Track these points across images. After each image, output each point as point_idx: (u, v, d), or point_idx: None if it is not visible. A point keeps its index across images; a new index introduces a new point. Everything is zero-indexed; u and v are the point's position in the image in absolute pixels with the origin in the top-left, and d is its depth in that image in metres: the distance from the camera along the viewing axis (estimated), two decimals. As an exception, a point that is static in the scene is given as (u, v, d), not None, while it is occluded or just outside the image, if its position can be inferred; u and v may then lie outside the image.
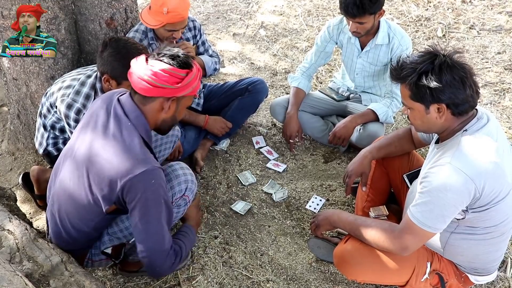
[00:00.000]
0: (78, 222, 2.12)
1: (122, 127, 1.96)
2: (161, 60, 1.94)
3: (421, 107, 1.96)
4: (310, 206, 2.96)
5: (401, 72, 1.96)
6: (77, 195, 2.04)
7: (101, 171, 1.93)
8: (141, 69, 1.94)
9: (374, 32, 3.08)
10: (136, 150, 1.93)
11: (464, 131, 1.96)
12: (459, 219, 2.02)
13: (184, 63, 1.96)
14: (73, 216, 2.11)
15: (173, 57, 1.95)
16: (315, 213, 2.93)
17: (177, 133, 2.82)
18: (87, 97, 2.55)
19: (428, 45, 2.05)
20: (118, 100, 2.04)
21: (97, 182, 1.95)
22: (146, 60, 1.97)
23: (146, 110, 2.00)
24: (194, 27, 3.23)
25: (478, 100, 2.00)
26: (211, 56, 3.39)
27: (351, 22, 2.95)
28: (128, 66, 2.40)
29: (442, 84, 1.87)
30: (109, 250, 2.28)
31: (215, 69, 3.38)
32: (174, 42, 2.97)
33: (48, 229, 2.31)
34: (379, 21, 3.05)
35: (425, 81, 1.89)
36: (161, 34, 2.92)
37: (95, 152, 1.96)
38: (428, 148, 2.28)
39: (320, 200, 2.99)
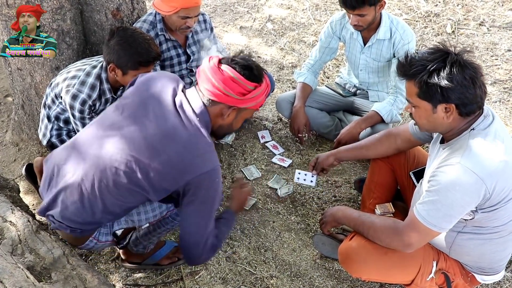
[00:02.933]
0: (116, 203, 2.00)
1: (190, 121, 1.91)
2: (233, 68, 1.91)
3: (428, 106, 1.92)
4: (298, 179, 2.93)
5: (410, 68, 1.91)
6: (128, 182, 1.92)
7: (167, 162, 1.87)
8: (212, 71, 1.91)
9: (375, 27, 3.03)
10: (206, 146, 1.90)
11: (471, 130, 1.92)
12: (467, 219, 1.99)
13: (255, 76, 1.93)
14: (111, 198, 1.98)
15: (245, 67, 1.91)
16: (304, 186, 2.94)
17: None
18: (93, 88, 2.54)
19: (438, 42, 2.00)
20: (184, 92, 1.99)
21: (161, 172, 1.88)
22: (220, 62, 1.94)
23: (208, 110, 1.96)
24: (204, 21, 3.20)
25: (487, 98, 1.97)
26: (218, 49, 3.37)
27: (351, 15, 2.89)
28: (135, 56, 2.39)
29: (453, 83, 1.82)
30: (119, 232, 2.25)
31: None
32: (188, 31, 2.93)
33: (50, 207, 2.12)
34: (380, 16, 3.00)
35: (436, 80, 1.84)
36: (174, 23, 2.87)
37: (161, 141, 1.89)
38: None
39: (305, 174, 2.94)
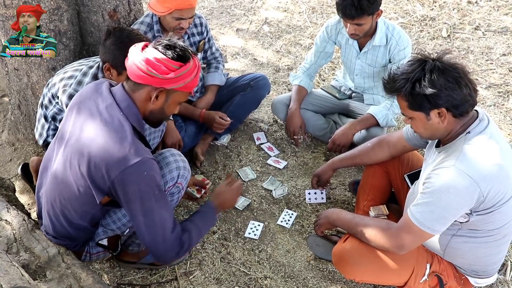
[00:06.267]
0: (74, 216, 2.09)
1: (114, 117, 1.92)
2: (156, 48, 1.90)
3: (422, 115, 1.94)
4: (309, 200, 2.98)
5: (394, 84, 1.94)
6: (71, 187, 2.00)
7: (93, 162, 1.89)
8: (136, 55, 1.91)
9: (371, 33, 3.04)
10: (127, 141, 1.88)
11: (467, 133, 1.94)
12: (462, 222, 2.00)
13: (179, 56, 1.90)
14: (69, 210, 2.08)
15: (169, 47, 1.90)
16: (318, 203, 2.97)
17: (162, 126, 2.79)
18: None
19: (416, 52, 2.03)
20: (110, 90, 2.01)
21: (90, 172, 1.91)
22: (144, 46, 1.94)
23: (135, 97, 1.96)
24: (201, 24, 3.21)
25: (482, 102, 1.98)
26: (213, 53, 3.39)
27: (348, 24, 2.90)
28: None
29: (436, 88, 1.85)
30: (105, 242, 2.26)
31: (224, 74, 3.45)
32: (182, 32, 2.95)
33: (41, 222, 2.28)
34: (376, 22, 3.01)
35: (419, 89, 1.87)
36: (168, 23, 2.89)
37: (86, 143, 1.92)
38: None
39: (315, 193, 2.99)
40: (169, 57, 1.88)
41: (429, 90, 1.85)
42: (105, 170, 1.87)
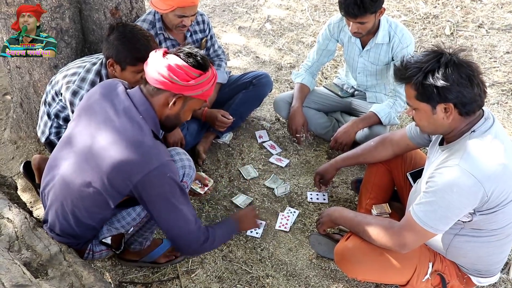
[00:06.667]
0: (85, 215, 2.09)
1: (133, 120, 1.95)
2: (178, 55, 1.95)
3: (428, 107, 1.92)
4: (311, 199, 2.98)
5: (405, 72, 1.92)
6: (83, 190, 2.01)
7: (112, 166, 1.91)
8: (158, 60, 1.95)
9: (374, 31, 3.03)
10: (149, 144, 1.93)
11: (472, 132, 1.92)
12: (465, 221, 1.99)
13: (199, 64, 1.96)
14: (80, 210, 2.08)
15: (190, 55, 1.96)
16: (319, 203, 2.96)
17: None
18: (93, 84, 2.54)
19: (433, 44, 2.02)
20: (126, 92, 2.04)
21: (108, 181, 1.93)
22: (165, 53, 1.98)
23: (153, 102, 2.00)
24: (203, 21, 3.21)
25: (485, 100, 1.96)
26: (215, 51, 3.38)
27: (351, 22, 2.89)
28: (133, 51, 2.40)
29: (449, 82, 1.83)
30: (108, 241, 2.26)
31: (227, 72, 3.44)
32: (184, 30, 2.96)
33: (46, 221, 2.27)
34: (379, 20, 3.00)
35: (431, 80, 1.85)
36: (171, 21, 2.89)
37: (103, 146, 1.93)
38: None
39: (317, 194, 3.00)
40: (190, 65, 1.94)
41: (441, 83, 1.83)
42: (127, 176, 1.91)
